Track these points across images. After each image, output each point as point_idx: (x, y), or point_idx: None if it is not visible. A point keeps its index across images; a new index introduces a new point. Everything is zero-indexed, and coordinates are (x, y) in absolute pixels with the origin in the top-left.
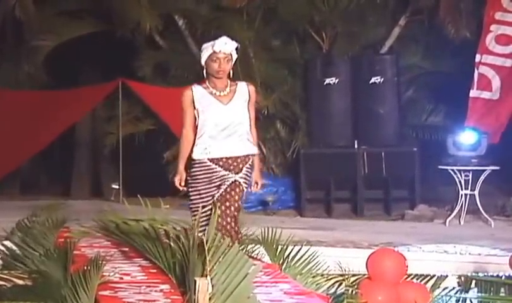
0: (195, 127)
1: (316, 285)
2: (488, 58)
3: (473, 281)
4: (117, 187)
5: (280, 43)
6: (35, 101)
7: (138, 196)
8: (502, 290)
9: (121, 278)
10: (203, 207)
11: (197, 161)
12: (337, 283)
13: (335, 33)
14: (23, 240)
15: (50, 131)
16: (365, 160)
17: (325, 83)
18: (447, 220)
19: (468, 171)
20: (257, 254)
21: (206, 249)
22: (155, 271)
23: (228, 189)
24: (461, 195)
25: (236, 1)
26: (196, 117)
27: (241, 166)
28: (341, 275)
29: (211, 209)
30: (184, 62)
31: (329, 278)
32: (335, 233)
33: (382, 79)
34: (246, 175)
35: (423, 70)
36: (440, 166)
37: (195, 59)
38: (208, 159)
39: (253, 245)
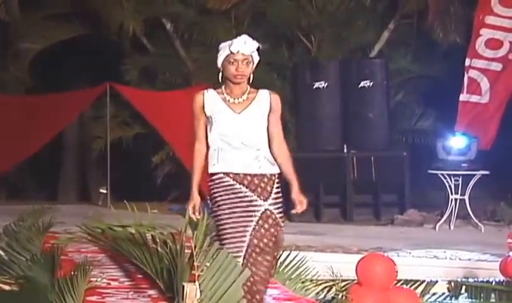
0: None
1: (306, 290)
2: (477, 62)
3: (463, 287)
4: (105, 191)
5: (269, 47)
6: (22, 106)
7: (125, 201)
8: (493, 295)
9: (109, 284)
10: (228, 231)
11: (215, 178)
12: (327, 289)
13: (324, 36)
14: (10, 245)
15: (38, 137)
16: (354, 165)
17: (314, 86)
18: (437, 225)
19: (458, 176)
20: None
21: (194, 253)
22: (142, 276)
23: (260, 222)
24: (451, 200)
25: (222, 3)
26: (208, 126)
27: (269, 189)
28: (331, 280)
29: (242, 228)
30: (171, 66)
31: (319, 283)
32: (325, 238)
33: (372, 83)
34: (277, 199)
35: (413, 74)
36: (430, 171)
37: (182, 62)
38: (229, 175)
39: None
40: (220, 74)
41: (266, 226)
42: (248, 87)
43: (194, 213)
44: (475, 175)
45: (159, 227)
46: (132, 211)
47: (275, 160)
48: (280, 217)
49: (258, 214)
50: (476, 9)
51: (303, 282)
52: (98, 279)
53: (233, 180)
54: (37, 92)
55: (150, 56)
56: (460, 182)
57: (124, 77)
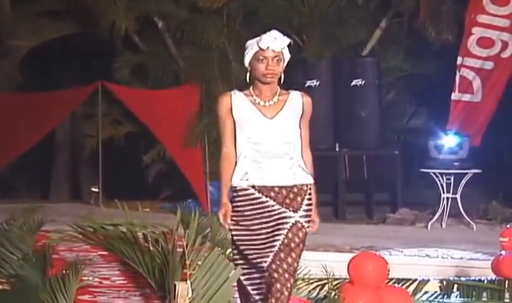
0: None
1: (298, 289)
2: (469, 61)
3: (455, 286)
4: (96, 190)
5: None
6: (12, 104)
7: (116, 200)
8: (484, 294)
9: (100, 282)
10: (251, 250)
11: (238, 191)
12: (319, 287)
13: (315, 35)
14: (1, 244)
15: (29, 135)
16: (346, 163)
17: (306, 85)
18: (429, 224)
19: (450, 174)
20: None
21: (186, 252)
22: (134, 275)
23: (290, 235)
24: (443, 198)
25: (214, 2)
26: (236, 131)
27: (299, 199)
28: (323, 279)
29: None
30: (163, 64)
31: (311, 282)
32: (317, 237)
33: (363, 82)
34: (307, 211)
35: (405, 73)
36: (422, 170)
37: (174, 61)
38: (254, 187)
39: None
40: (248, 74)
41: (296, 240)
42: (279, 88)
43: (225, 220)
44: (467, 173)
45: (151, 226)
46: (124, 209)
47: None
48: (308, 227)
49: (288, 226)
50: (468, 7)
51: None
52: (90, 278)
53: (259, 192)
54: (28, 90)
55: (141, 54)
56: (452, 180)
57: (115, 75)
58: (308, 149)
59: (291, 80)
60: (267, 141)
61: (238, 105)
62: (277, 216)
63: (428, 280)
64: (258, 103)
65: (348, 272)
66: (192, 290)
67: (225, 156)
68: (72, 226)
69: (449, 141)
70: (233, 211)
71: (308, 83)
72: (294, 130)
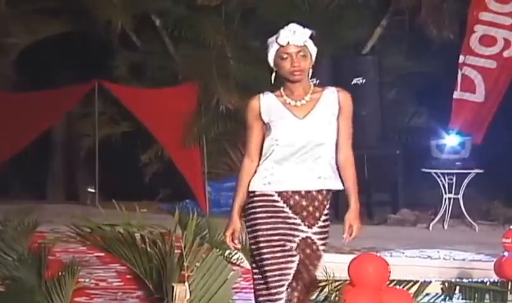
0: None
1: None
2: (471, 59)
3: (457, 287)
4: (93, 190)
5: (260, 44)
6: (7, 103)
7: (113, 200)
8: (487, 296)
9: (97, 284)
10: (267, 256)
11: (257, 195)
12: (319, 289)
13: (315, 33)
14: None
15: (25, 135)
16: None
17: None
18: (431, 225)
19: (452, 174)
20: (236, 260)
21: (184, 254)
22: (131, 276)
23: (299, 249)
24: (445, 199)
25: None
26: (265, 135)
27: (317, 215)
28: (323, 281)
29: (283, 253)
30: (160, 63)
31: None
32: None
33: (364, 80)
34: (323, 227)
35: (406, 71)
36: (423, 170)
37: (171, 59)
38: (276, 192)
39: (232, 250)
40: (273, 75)
41: (302, 256)
42: (311, 85)
43: (233, 241)
44: (469, 173)
45: (148, 227)
46: (121, 210)
47: (340, 171)
48: (322, 245)
49: (297, 240)
50: (470, 5)
51: None
52: (87, 280)
53: (278, 196)
54: (23, 89)
55: (138, 53)
56: (454, 180)
57: (112, 74)
58: (349, 148)
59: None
60: (298, 142)
61: (267, 108)
62: (291, 226)
63: (430, 282)
64: (289, 103)
65: (349, 273)
66: (190, 292)
67: (245, 168)
68: (68, 227)
69: (451, 140)
70: (247, 216)
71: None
72: (327, 131)
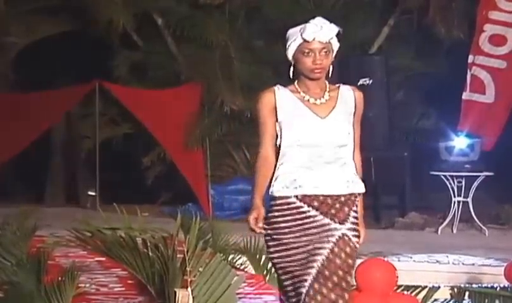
0: (277, 148)
1: None
2: (481, 59)
3: (467, 293)
4: (93, 193)
5: (264, 43)
6: (6, 104)
7: (114, 203)
8: (497, 301)
9: (98, 290)
10: (289, 267)
11: (279, 201)
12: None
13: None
14: None
15: (23, 136)
16: None
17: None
18: (439, 229)
19: (461, 177)
20: (240, 264)
21: (186, 258)
22: (133, 281)
23: (336, 249)
24: (454, 202)
25: None
26: (278, 133)
27: (346, 210)
28: None
29: (304, 271)
30: (162, 63)
31: None
32: None
33: (371, 81)
34: (355, 223)
35: (414, 71)
36: (431, 172)
37: (174, 59)
38: (297, 197)
39: (236, 254)
40: (292, 69)
41: (343, 255)
42: (327, 83)
43: (256, 224)
44: (479, 176)
45: (150, 231)
46: (122, 214)
47: None
48: (357, 244)
49: (334, 239)
50: (479, 3)
51: None
52: (87, 285)
53: (300, 201)
54: (21, 89)
55: (140, 52)
56: (463, 183)
57: (113, 74)
58: (358, 151)
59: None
60: (320, 143)
61: (284, 103)
62: (320, 229)
63: (439, 287)
64: (308, 100)
65: (355, 279)
66: (193, 298)
67: (262, 158)
68: (68, 231)
69: (460, 142)
70: (267, 224)
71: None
72: (348, 131)
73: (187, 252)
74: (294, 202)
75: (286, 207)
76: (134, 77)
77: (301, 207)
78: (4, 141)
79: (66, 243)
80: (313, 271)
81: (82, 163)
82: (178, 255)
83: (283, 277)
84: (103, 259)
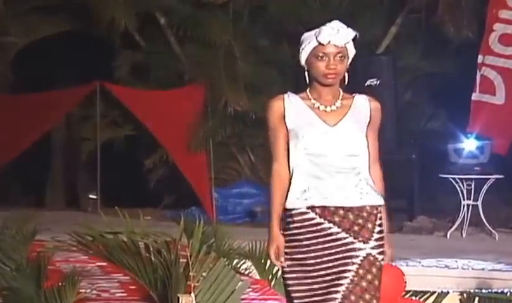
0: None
1: None
2: (491, 59)
3: (476, 298)
4: (94, 197)
5: (269, 43)
6: (4, 105)
7: (115, 207)
8: None
9: (99, 295)
10: (309, 292)
11: (295, 214)
12: None
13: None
14: None
15: (22, 138)
16: None
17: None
18: (449, 233)
19: (471, 180)
20: (245, 269)
21: (190, 263)
22: (135, 287)
23: (361, 271)
24: (463, 205)
25: None
26: (289, 142)
27: (370, 226)
28: None
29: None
30: (165, 63)
31: None
32: None
33: (378, 82)
34: (380, 239)
35: (422, 71)
36: (440, 175)
37: (177, 59)
38: (311, 208)
39: (240, 259)
40: (306, 74)
41: (369, 277)
42: (341, 91)
43: (278, 259)
44: (489, 179)
45: (153, 235)
46: (124, 217)
47: None
48: (382, 260)
49: (358, 261)
50: (489, 2)
51: None
52: (88, 291)
53: (320, 216)
54: (21, 90)
55: (142, 52)
56: (473, 186)
57: (114, 75)
58: (378, 164)
59: (301, 81)
60: (329, 152)
61: (292, 111)
62: (343, 248)
63: (448, 292)
64: (318, 107)
65: None
66: None
67: (276, 174)
68: (69, 235)
69: (469, 144)
70: (285, 241)
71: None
72: (360, 141)
73: (190, 256)
74: (313, 218)
75: (303, 222)
76: (136, 77)
77: (321, 223)
78: (3, 143)
79: (66, 248)
80: (339, 296)
81: (83, 166)
82: (181, 260)
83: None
84: (104, 263)
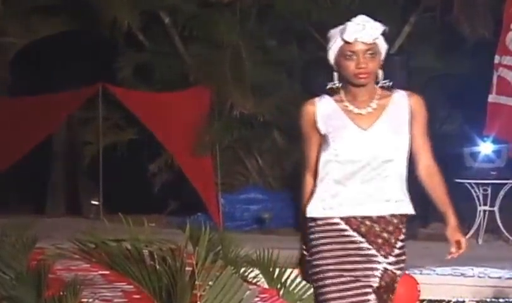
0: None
1: None
2: (508, 59)
3: None
4: (97, 203)
5: (277, 43)
6: (3, 109)
7: (119, 213)
8: None
9: None
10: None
11: (319, 222)
12: None
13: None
14: None
15: (22, 143)
16: None
17: (327, 86)
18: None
19: (487, 185)
20: (252, 278)
21: (196, 271)
22: (139, 296)
23: (383, 284)
24: (479, 211)
25: None
26: (321, 148)
27: (392, 241)
28: None
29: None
30: (170, 64)
31: None
32: None
33: (391, 83)
34: (399, 255)
35: (437, 72)
36: (456, 180)
37: (182, 60)
38: (343, 219)
39: (247, 267)
40: (336, 75)
41: (390, 291)
42: (378, 89)
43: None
44: (506, 184)
45: (157, 242)
46: (127, 224)
47: (424, 185)
48: (399, 276)
49: (378, 274)
50: (506, 0)
51: None
52: (90, 300)
53: (345, 223)
54: (21, 92)
55: (146, 53)
56: (489, 191)
57: (117, 76)
58: (433, 164)
59: (310, 82)
60: (362, 158)
61: (324, 115)
62: (364, 258)
63: (463, 301)
64: (352, 110)
65: None
66: None
67: (308, 185)
68: (71, 242)
69: (485, 148)
70: (306, 250)
71: (330, 85)
72: (396, 144)
73: (196, 264)
74: (337, 224)
75: (327, 229)
76: (140, 79)
77: (346, 230)
78: (2, 148)
79: (68, 256)
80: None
81: (84, 171)
82: (187, 269)
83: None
84: (107, 272)
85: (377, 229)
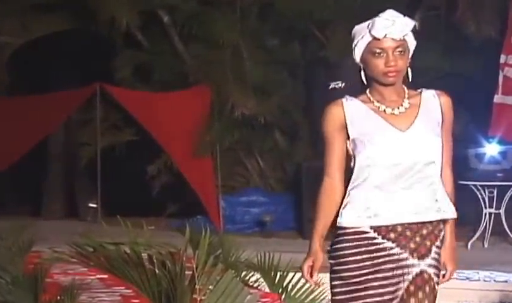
0: (347, 172)
1: None
2: None
3: None
4: (94, 205)
5: (279, 43)
6: (3, 109)
7: (117, 216)
8: None
9: None
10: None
11: (349, 231)
12: None
13: (340, 31)
14: None
15: (19, 145)
16: None
17: (329, 87)
18: (469, 243)
19: (493, 187)
20: (254, 282)
21: (196, 275)
22: (137, 301)
23: (412, 288)
24: (485, 214)
25: None
26: (351, 152)
27: (428, 244)
28: None
29: None
30: (169, 63)
31: None
32: None
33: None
34: (437, 260)
35: (442, 72)
36: (460, 182)
37: (181, 60)
38: (372, 227)
39: (249, 271)
40: (363, 74)
41: (420, 295)
42: (405, 89)
43: (311, 275)
44: None
45: (157, 245)
46: (126, 227)
47: None
48: (437, 283)
49: (410, 277)
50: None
51: None
52: None
53: (375, 231)
54: (16, 93)
55: (144, 53)
56: (495, 194)
57: (115, 76)
58: (449, 168)
59: (312, 81)
60: (403, 161)
61: (355, 117)
62: (395, 264)
63: None
64: (384, 111)
65: None
66: None
67: (327, 189)
68: (68, 246)
69: (491, 149)
70: (332, 258)
71: (332, 84)
72: (436, 145)
73: (196, 268)
74: (367, 232)
75: (356, 237)
76: (138, 79)
77: (375, 238)
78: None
79: (65, 259)
80: None
81: (82, 172)
82: (187, 272)
83: None
84: (105, 276)
85: (408, 234)
